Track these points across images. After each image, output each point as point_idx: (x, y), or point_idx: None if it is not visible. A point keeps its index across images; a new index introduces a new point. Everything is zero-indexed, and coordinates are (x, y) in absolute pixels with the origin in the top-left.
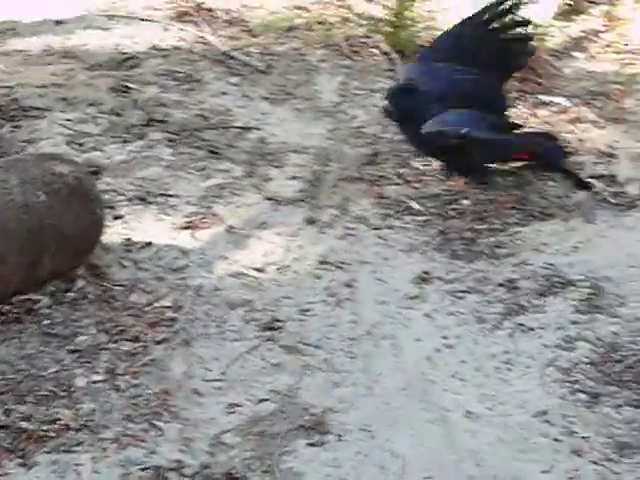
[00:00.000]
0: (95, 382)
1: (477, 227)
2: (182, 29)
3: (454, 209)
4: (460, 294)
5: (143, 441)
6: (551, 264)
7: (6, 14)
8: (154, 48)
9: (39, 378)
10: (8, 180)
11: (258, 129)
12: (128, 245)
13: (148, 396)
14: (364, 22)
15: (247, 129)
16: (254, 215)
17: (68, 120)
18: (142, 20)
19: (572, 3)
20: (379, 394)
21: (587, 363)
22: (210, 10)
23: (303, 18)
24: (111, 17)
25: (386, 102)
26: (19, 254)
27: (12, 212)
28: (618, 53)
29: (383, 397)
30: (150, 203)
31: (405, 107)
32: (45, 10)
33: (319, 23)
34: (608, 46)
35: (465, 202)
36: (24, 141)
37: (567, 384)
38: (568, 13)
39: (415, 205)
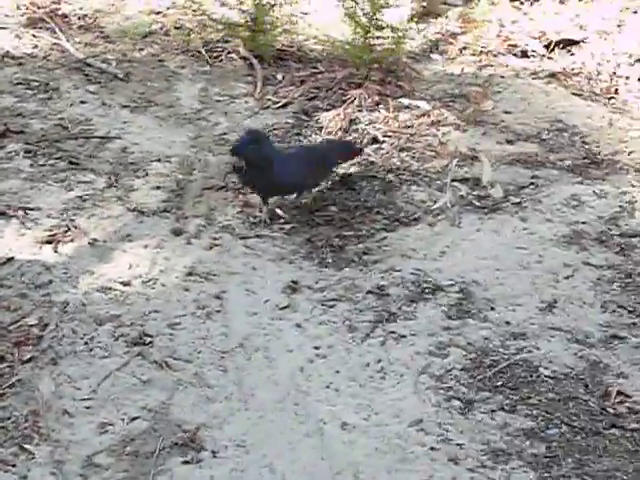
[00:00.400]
0: None
1: (345, 234)
2: (36, 36)
3: (321, 216)
4: (330, 302)
5: (14, 466)
6: (420, 270)
7: None
8: (8, 56)
9: None
10: None
11: (119, 138)
12: None
13: (16, 418)
14: (221, 27)
15: (108, 139)
16: (118, 227)
17: None
18: None
19: (426, 5)
20: (253, 408)
21: (460, 369)
22: (65, 16)
23: (160, 23)
24: None
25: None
26: None
27: None
28: (475, 55)
29: (257, 411)
30: (10, 217)
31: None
32: None
33: (176, 28)
34: (465, 48)
35: (332, 208)
36: None
37: (441, 391)
38: (424, 15)
39: (281, 213)
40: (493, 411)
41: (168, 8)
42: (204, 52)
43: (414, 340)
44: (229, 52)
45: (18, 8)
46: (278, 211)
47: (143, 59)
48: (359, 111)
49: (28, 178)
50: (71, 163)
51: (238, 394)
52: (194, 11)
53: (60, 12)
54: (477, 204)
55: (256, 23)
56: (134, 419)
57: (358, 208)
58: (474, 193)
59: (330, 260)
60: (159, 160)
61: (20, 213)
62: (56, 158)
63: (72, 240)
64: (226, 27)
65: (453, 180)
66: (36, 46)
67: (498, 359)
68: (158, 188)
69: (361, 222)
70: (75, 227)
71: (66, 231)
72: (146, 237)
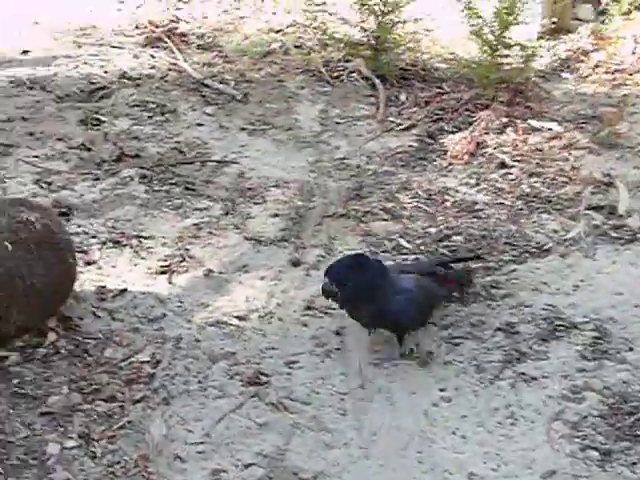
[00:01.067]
0: (69, 448)
1: (471, 266)
2: (154, 56)
3: (446, 246)
4: (456, 340)
5: None
6: (551, 305)
7: None
8: (125, 77)
9: (8, 445)
10: None
11: (236, 163)
12: (102, 293)
13: (126, 463)
14: (343, 46)
15: (225, 163)
16: (234, 257)
17: (36, 157)
18: (112, 47)
19: (557, 21)
20: (374, 455)
21: (596, 416)
22: (183, 35)
23: (279, 42)
24: (80, 45)
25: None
26: None
27: None
28: (609, 73)
29: (379, 459)
30: (124, 246)
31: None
32: (12, 39)
33: (297, 47)
34: (598, 66)
35: (457, 238)
36: None
37: (576, 440)
38: (554, 32)
39: (404, 243)
40: (634, 464)
41: (288, 26)
42: (325, 71)
43: (546, 383)
44: (350, 72)
45: (136, 27)
46: (402, 241)
47: (262, 79)
48: (486, 134)
49: (143, 204)
50: (187, 189)
51: (358, 440)
52: (315, 29)
53: (178, 31)
54: (613, 234)
55: (379, 42)
56: (249, 466)
57: (485, 238)
58: (609, 222)
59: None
60: (277, 186)
61: (134, 241)
62: (171, 183)
63: (187, 270)
64: (348, 46)
65: (587, 208)
66: (154, 66)
67: (638, 405)
68: (276, 216)
69: (488, 253)
70: (190, 257)
71: (181, 261)
72: (263, 268)
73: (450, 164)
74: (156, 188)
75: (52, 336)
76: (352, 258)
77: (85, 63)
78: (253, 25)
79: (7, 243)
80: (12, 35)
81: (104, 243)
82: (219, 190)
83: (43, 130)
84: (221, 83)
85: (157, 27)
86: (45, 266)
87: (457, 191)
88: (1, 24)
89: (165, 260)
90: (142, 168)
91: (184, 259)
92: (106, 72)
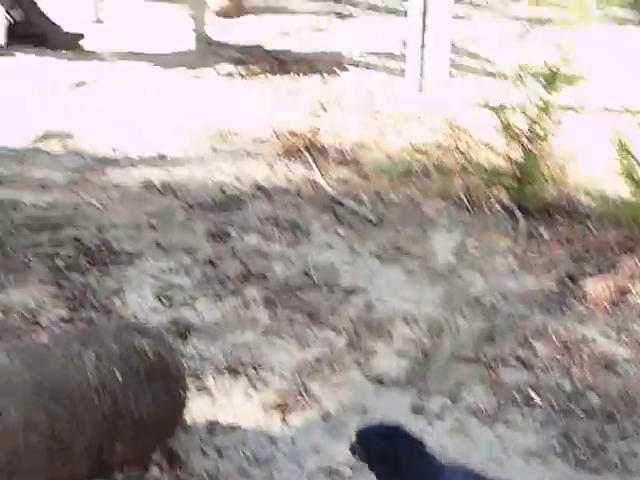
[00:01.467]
0: None
1: (607, 430)
2: (290, 168)
3: (580, 406)
4: None
5: None
6: None
7: (110, 144)
8: (259, 188)
9: None
10: (83, 355)
11: (365, 292)
12: (212, 426)
13: None
14: (485, 173)
15: (353, 291)
16: (355, 399)
17: (160, 270)
18: (248, 155)
19: None
20: None
21: None
22: (322, 149)
23: (421, 162)
24: (216, 150)
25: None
26: (88, 440)
27: (85, 395)
28: None
29: None
30: (239, 374)
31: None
32: (151, 141)
33: (437, 169)
34: None
35: (592, 395)
36: (111, 291)
37: None
38: None
39: (535, 397)
40: None
41: (431, 147)
42: (465, 198)
43: None
44: (491, 200)
45: (277, 137)
46: (533, 395)
47: (398, 201)
48: (630, 280)
49: (264, 331)
50: (310, 317)
51: None
52: (458, 152)
53: (318, 144)
54: None
55: (524, 173)
56: None
57: (623, 399)
58: None
59: (587, 461)
60: (405, 321)
61: (251, 371)
62: (295, 309)
63: (303, 408)
64: (490, 173)
65: None
66: (289, 179)
67: None
68: (402, 354)
69: (627, 417)
70: (307, 393)
71: (297, 397)
72: (383, 412)
73: (589, 310)
74: (279, 313)
75: (155, 471)
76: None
77: (220, 171)
78: (396, 142)
79: (117, 373)
80: (149, 136)
81: (219, 370)
82: (344, 321)
83: (170, 240)
84: (356, 202)
85: (296, 136)
86: (155, 397)
87: (595, 341)
88: (140, 124)
89: (281, 395)
90: (267, 289)
91: (301, 395)
92: (239, 182)
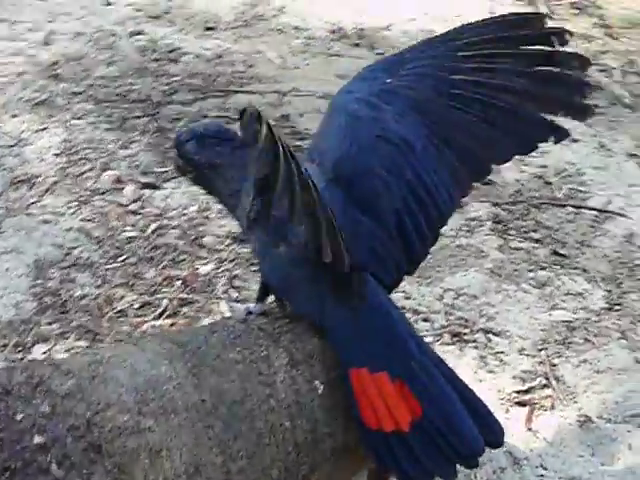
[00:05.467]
0: None
1: None
2: None
3: None
4: None
5: None
6: None
7: None
8: None
9: None
10: (273, 358)
11: (623, 215)
12: None
13: None
14: None
15: (608, 213)
16: (623, 393)
17: None
18: None
19: None
20: None
21: None
22: None
23: None
24: None
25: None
26: (279, 473)
27: (273, 417)
28: None
29: None
30: (467, 342)
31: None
32: None
33: None
34: None
35: None
36: None
37: None
38: None
39: None
40: None
41: None
42: None
43: None
44: None
45: None
46: None
47: None
48: None
49: (495, 272)
50: (555, 253)
51: None
52: None
53: None
54: None
55: None
56: None
57: None
58: None
59: None
60: None
61: (481, 337)
62: (535, 239)
63: (552, 406)
64: None
65: None
66: None
67: None
68: None
69: None
70: (558, 380)
71: (544, 386)
72: None
73: None
74: (513, 244)
75: None
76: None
77: (425, 14)
78: None
79: (318, 384)
80: None
81: (440, 335)
82: (599, 262)
83: None
84: (602, 75)
85: None
86: None
87: None
88: None
89: (523, 381)
90: (495, 205)
91: (549, 383)
92: None
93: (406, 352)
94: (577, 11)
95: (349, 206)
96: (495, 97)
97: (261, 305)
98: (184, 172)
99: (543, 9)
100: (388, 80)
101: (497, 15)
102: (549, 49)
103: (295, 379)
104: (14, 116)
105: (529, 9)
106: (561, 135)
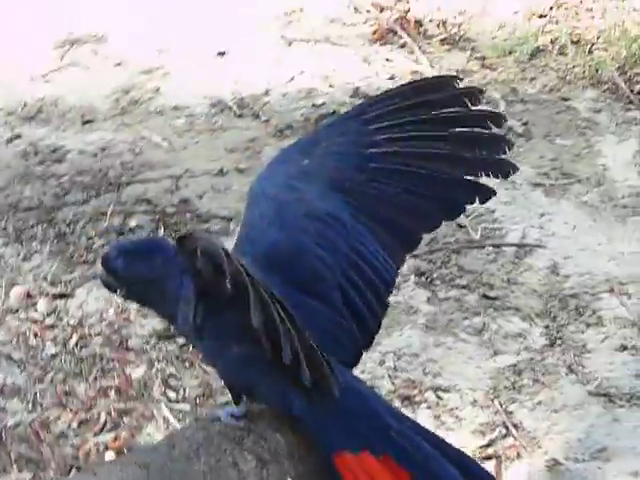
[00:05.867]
0: None
1: None
2: (385, 56)
3: None
4: None
5: None
6: None
7: (154, 47)
8: (358, 94)
9: None
10: (241, 463)
11: (542, 247)
12: None
13: None
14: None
15: (526, 247)
16: (583, 430)
17: None
18: (332, 44)
19: None
20: None
21: None
22: (418, 24)
23: (549, 34)
24: (290, 42)
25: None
26: None
27: None
28: None
29: None
30: (418, 404)
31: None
32: (206, 37)
33: (574, 43)
34: None
35: None
36: None
37: None
38: None
39: None
40: None
41: (556, 8)
42: (623, 85)
43: None
44: None
45: (357, 11)
46: None
47: (538, 96)
48: None
49: (429, 325)
50: (485, 297)
51: None
52: (598, 17)
53: (411, 17)
54: None
55: None
56: None
57: None
58: None
59: None
60: (611, 290)
61: (431, 396)
62: (462, 286)
63: (518, 455)
64: None
65: None
66: (391, 75)
67: None
68: (624, 348)
69: None
70: (517, 427)
71: (505, 435)
72: (630, 453)
73: None
74: (441, 294)
75: None
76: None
77: (297, 69)
78: (507, 5)
79: None
80: (202, 30)
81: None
82: (529, 298)
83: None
84: (489, 103)
85: (382, 11)
86: None
87: None
88: (189, 17)
89: (483, 435)
90: (415, 257)
91: (509, 433)
92: (331, 86)
93: (383, 425)
94: (449, 47)
95: (291, 290)
96: (414, 165)
97: (243, 404)
98: (114, 289)
99: (419, 54)
100: (305, 162)
101: (406, 82)
102: (462, 110)
103: None
104: None
105: (404, 53)
106: (486, 194)
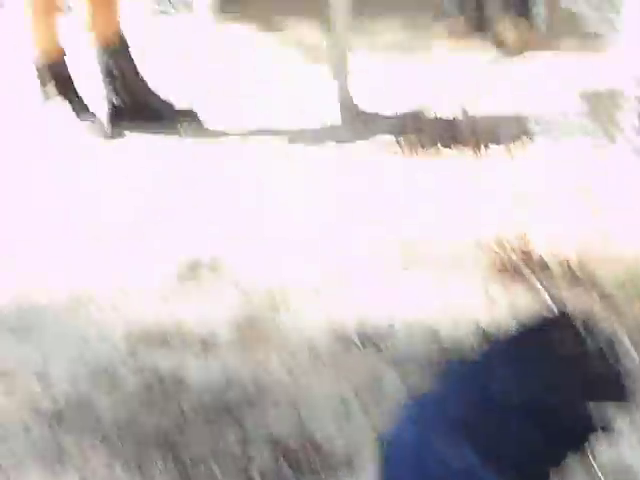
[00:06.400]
0: None
1: None
2: (508, 294)
3: None
4: None
5: None
6: None
7: (277, 274)
8: (482, 335)
9: None
10: None
11: None
12: None
13: None
14: None
15: None
16: None
17: None
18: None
19: None
20: None
21: None
22: (539, 259)
23: None
24: (408, 270)
25: None
26: None
27: None
28: None
29: None
30: None
31: None
32: (329, 263)
33: None
34: None
35: None
36: None
37: None
38: None
39: None
40: None
41: None
42: None
43: None
44: None
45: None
46: None
47: None
48: None
49: None
50: None
51: None
52: None
53: (535, 254)
54: None
55: None
56: None
57: None
58: None
59: None
60: None
61: None
62: None
63: None
64: None
65: None
66: (514, 313)
67: None
68: None
69: None
70: None
71: None
72: None
73: None
74: None
75: None
76: None
77: (416, 301)
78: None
79: None
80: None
81: None
82: None
83: None
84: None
85: (502, 246)
86: None
87: None
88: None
89: None
90: None
91: None
92: (454, 323)
93: None
94: (572, 285)
95: None
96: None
97: None
98: None
99: (541, 291)
100: (436, 412)
101: (530, 322)
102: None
103: None
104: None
105: (525, 288)
106: (609, 426)
